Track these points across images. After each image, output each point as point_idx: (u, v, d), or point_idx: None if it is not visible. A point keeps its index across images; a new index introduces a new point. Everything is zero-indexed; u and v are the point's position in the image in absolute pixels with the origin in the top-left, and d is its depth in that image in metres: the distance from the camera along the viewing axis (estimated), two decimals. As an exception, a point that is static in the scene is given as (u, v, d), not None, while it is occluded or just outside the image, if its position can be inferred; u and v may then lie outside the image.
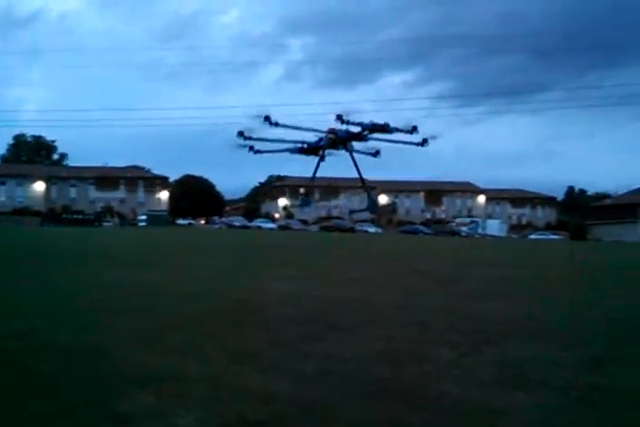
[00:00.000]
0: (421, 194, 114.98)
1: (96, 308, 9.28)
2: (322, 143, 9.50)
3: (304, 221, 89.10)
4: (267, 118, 9.34)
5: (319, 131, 9.74)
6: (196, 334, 7.42)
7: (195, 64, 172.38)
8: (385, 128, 8.84)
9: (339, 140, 9.47)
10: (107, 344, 6.75)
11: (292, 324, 8.31)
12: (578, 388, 5.44)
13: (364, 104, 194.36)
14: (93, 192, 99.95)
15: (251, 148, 10.02)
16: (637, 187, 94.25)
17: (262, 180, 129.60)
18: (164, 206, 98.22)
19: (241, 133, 9.77)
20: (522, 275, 16.84)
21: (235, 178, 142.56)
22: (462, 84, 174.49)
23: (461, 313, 9.58)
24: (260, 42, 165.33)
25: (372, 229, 74.35)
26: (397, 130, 8.81)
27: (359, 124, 8.88)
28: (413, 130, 8.61)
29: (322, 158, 9.92)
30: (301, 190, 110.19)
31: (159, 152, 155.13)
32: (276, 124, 9.47)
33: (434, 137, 8.76)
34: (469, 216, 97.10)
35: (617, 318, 9.47)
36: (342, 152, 10.02)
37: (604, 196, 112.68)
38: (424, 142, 8.73)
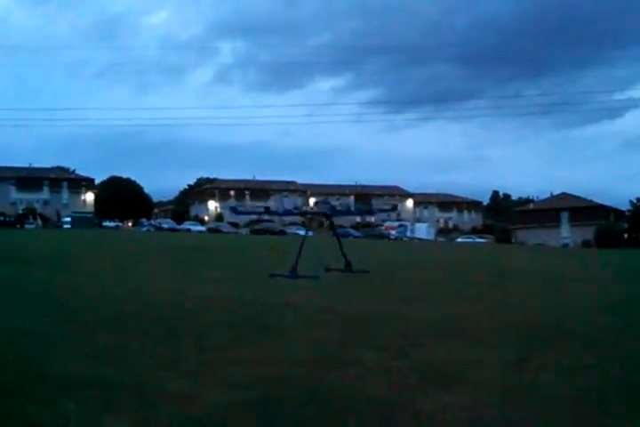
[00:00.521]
0: (351, 197, 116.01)
1: (10, 311, 8.89)
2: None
3: (234, 224, 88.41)
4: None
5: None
6: (119, 339, 7.19)
7: (123, 64, 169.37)
8: (370, 211, 8.98)
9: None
10: (22, 350, 6.46)
11: (219, 328, 8.18)
12: (503, 387, 5.54)
13: (294, 109, 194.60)
14: (15, 193, 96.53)
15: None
16: (558, 192, 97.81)
17: (191, 182, 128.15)
18: (90, 208, 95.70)
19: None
20: (448, 277, 17.13)
21: (163, 180, 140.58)
22: (390, 90, 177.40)
23: (390, 316, 9.65)
24: (189, 44, 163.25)
25: (302, 232, 74.45)
26: (380, 210, 8.92)
27: (347, 210, 8.99)
28: (394, 209, 8.81)
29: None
30: (231, 193, 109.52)
31: (85, 153, 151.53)
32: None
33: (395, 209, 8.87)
34: (398, 220, 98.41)
35: (539, 319, 9.74)
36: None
37: (528, 200, 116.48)
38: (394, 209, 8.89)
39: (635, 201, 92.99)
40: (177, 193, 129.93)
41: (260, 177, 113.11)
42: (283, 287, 13.24)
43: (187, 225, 78.85)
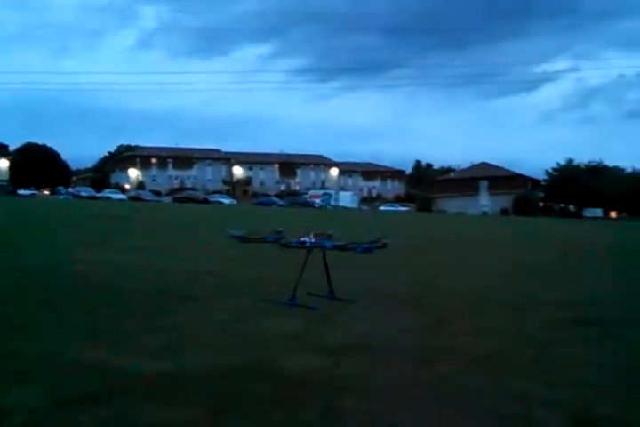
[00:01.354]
0: (276, 166, 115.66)
1: None
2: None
3: (156, 193, 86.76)
4: None
5: None
6: (34, 309, 6.96)
7: (40, 27, 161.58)
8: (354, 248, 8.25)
9: None
10: None
11: (139, 296, 8.03)
12: (418, 350, 5.68)
13: (219, 76, 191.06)
14: None
15: None
16: (478, 162, 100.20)
17: (112, 149, 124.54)
18: (4, 176, 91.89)
19: None
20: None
21: (82, 147, 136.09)
22: (317, 59, 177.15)
23: (316, 283, 9.70)
24: (110, 8, 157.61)
25: (226, 201, 73.81)
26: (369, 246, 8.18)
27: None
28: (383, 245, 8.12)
29: None
30: (153, 161, 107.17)
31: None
32: None
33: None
34: (322, 188, 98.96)
35: (457, 285, 10.02)
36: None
37: (449, 170, 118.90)
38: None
39: (550, 171, 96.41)
40: (96, 161, 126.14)
41: (183, 145, 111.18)
42: (207, 256, 13.11)
43: (106, 193, 76.82)
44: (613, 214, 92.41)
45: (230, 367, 4.99)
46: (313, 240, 7.91)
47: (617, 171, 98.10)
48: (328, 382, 4.73)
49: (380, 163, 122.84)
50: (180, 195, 76.95)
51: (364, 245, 7.71)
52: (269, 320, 6.81)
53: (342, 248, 7.86)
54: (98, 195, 74.36)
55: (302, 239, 8.00)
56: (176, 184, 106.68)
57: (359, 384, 4.68)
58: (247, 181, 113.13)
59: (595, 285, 10.74)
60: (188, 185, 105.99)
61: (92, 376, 4.64)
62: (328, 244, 7.85)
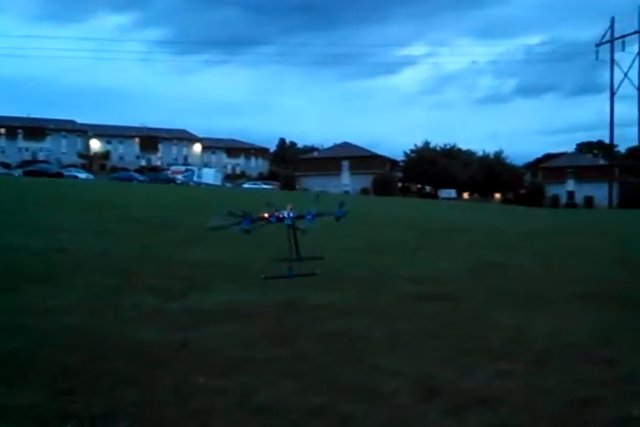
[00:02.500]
0: (136, 140, 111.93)
1: None
2: None
3: (5, 165, 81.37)
4: None
5: None
6: None
7: None
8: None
9: None
10: None
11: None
12: (277, 328, 5.75)
13: (75, 43, 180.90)
14: None
15: None
16: (341, 142, 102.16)
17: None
18: None
19: None
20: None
21: None
22: (179, 32, 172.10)
23: (168, 260, 9.55)
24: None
25: (82, 175, 70.51)
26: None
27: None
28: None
29: None
30: (1, 131, 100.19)
31: None
32: None
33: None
34: (185, 164, 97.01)
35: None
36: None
37: (312, 149, 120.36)
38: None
39: (408, 153, 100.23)
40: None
41: (35, 115, 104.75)
42: (59, 233, 12.50)
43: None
44: (466, 195, 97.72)
45: (83, 345, 4.83)
46: (292, 214, 8.19)
47: (469, 154, 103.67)
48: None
49: (244, 140, 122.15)
50: (32, 168, 72.54)
51: (339, 212, 8.32)
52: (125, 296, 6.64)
53: (321, 215, 8.30)
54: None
55: (281, 215, 8.18)
56: (27, 156, 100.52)
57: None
58: (105, 155, 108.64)
59: (442, 262, 11.35)
60: (41, 158, 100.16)
61: None
62: (308, 215, 8.17)
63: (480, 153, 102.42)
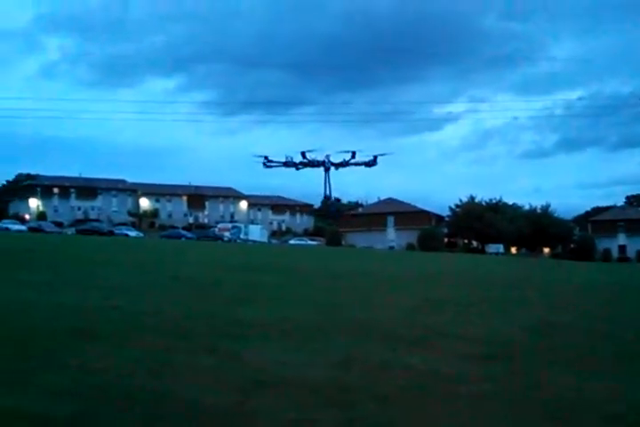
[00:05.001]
0: (184, 198, 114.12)
1: None
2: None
3: (58, 224, 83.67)
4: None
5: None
6: None
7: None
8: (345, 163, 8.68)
9: None
10: None
11: (41, 335, 7.65)
12: (329, 387, 5.67)
13: (125, 106, 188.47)
14: None
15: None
16: (385, 198, 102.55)
17: (10, 178, 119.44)
18: None
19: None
20: (279, 280, 17.31)
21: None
22: (223, 93, 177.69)
23: (222, 318, 9.56)
24: (14, 37, 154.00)
25: (132, 233, 72.00)
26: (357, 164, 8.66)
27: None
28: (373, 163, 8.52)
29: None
30: (55, 190, 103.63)
31: None
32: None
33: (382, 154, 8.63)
34: (232, 221, 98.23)
35: (362, 319, 10.10)
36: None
37: (357, 205, 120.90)
38: (374, 162, 8.63)
39: (453, 207, 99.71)
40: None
41: (87, 175, 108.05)
42: (112, 291, 12.67)
43: (5, 224, 73.31)
44: (514, 250, 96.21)
45: (144, 404, 4.81)
46: None
47: (515, 208, 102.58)
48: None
49: (288, 196, 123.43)
50: (84, 226, 74.38)
51: None
52: (180, 356, 6.64)
53: None
54: (-5, 225, 70.90)
55: None
56: (79, 215, 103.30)
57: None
58: (154, 213, 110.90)
59: (496, 320, 11.10)
60: (92, 216, 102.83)
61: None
62: None
63: (526, 207, 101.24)
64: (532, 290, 17.94)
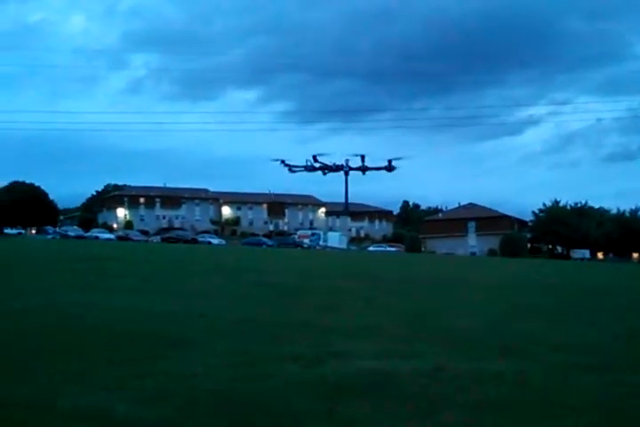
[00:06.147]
0: (264, 206, 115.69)
1: None
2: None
3: (144, 232, 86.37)
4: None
5: None
6: (23, 353, 6.82)
7: (33, 72, 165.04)
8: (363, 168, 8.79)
9: None
10: None
11: (132, 341, 7.89)
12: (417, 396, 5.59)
13: (209, 116, 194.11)
14: None
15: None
16: (466, 203, 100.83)
17: (99, 188, 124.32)
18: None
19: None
20: (363, 287, 17.27)
21: (70, 187, 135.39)
22: (301, 103, 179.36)
23: (306, 325, 9.61)
24: (102, 55, 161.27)
25: (215, 241, 73.52)
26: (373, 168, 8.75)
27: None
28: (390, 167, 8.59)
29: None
30: (141, 200, 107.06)
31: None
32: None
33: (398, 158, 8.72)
34: (311, 228, 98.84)
35: (452, 327, 9.94)
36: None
37: (436, 210, 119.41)
38: (390, 167, 8.70)
39: (537, 212, 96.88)
40: (84, 200, 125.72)
41: (171, 185, 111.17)
42: (199, 298, 12.96)
43: (94, 233, 76.22)
44: (600, 255, 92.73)
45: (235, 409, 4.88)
46: None
47: (602, 212, 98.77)
48: None
49: (367, 203, 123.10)
50: (169, 234, 76.47)
51: None
52: (265, 363, 6.70)
53: None
54: (86, 234, 73.79)
55: None
56: (164, 224, 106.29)
57: None
58: (236, 221, 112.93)
59: (587, 329, 10.72)
60: (176, 225, 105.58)
61: (88, 423, 4.53)
62: None
63: (614, 211, 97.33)
64: (622, 297, 17.23)
